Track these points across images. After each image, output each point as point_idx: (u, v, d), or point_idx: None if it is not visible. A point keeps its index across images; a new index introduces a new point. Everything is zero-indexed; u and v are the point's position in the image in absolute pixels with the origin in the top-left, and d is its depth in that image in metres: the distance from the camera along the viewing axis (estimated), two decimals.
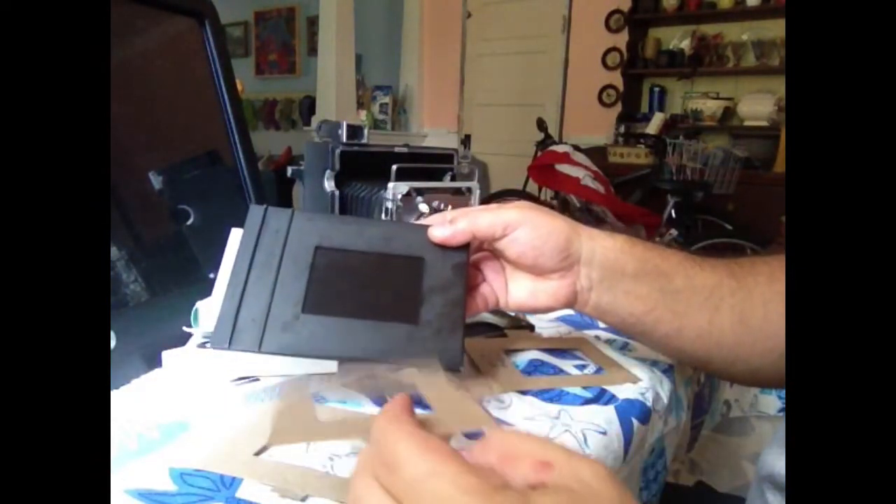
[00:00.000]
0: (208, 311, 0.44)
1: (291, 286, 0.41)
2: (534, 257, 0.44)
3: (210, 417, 0.41)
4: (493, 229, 0.44)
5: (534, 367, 0.53)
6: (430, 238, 0.45)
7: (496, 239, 0.44)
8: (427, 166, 0.71)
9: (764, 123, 3.42)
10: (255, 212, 0.43)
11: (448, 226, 0.44)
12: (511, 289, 0.47)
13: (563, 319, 0.67)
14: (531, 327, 0.62)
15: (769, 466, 0.40)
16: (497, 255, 0.47)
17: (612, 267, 0.45)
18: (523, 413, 0.45)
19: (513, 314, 0.63)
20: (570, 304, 0.47)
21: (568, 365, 0.54)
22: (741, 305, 0.45)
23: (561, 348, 0.58)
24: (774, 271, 0.46)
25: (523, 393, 0.48)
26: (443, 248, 0.45)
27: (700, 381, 0.66)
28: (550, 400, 0.47)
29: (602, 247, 0.45)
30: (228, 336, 0.39)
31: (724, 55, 3.62)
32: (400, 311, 0.43)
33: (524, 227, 0.44)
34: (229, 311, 0.40)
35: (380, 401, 0.45)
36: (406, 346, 0.42)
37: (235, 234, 0.42)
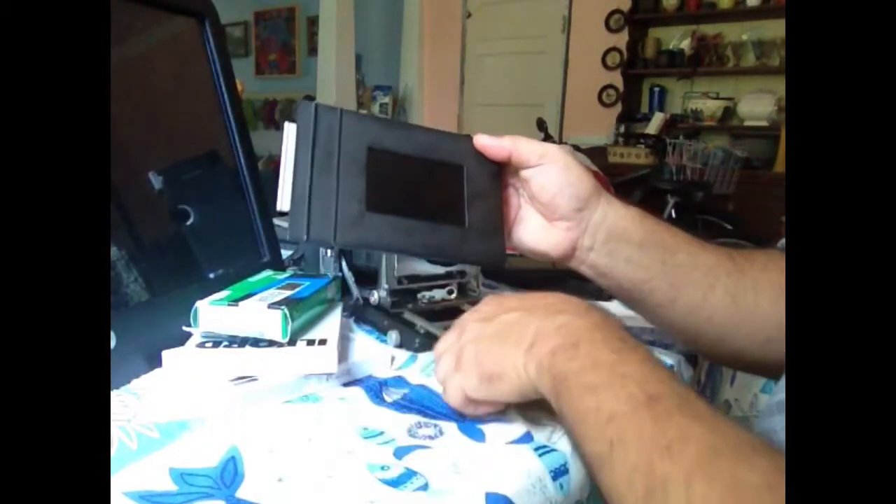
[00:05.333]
0: (281, 191, 0.44)
1: (352, 183, 0.43)
2: (552, 195, 0.47)
3: (210, 417, 0.41)
4: (530, 155, 0.47)
5: None
6: (476, 143, 0.48)
7: (529, 166, 0.47)
8: None
9: (764, 123, 3.42)
10: (306, 108, 0.44)
11: (494, 137, 0.48)
12: (518, 225, 0.50)
13: None
14: None
15: None
16: (518, 191, 0.50)
17: (620, 234, 0.47)
18: (525, 413, 0.45)
19: None
20: (567, 257, 0.49)
21: None
22: (735, 287, 0.46)
23: None
24: (769, 260, 0.47)
25: None
26: (480, 159, 0.49)
27: (701, 381, 0.66)
28: None
29: (615, 213, 0.48)
30: (305, 227, 0.41)
31: (724, 55, 3.62)
32: (449, 214, 0.47)
33: (557, 164, 0.47)
34: (301, 203, 0.41)
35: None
36: (458, 245, 0.47)
37: (290, 129, 0.44)
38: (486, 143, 0.48)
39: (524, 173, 0.48)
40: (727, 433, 0.29)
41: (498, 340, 0.40)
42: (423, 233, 0.45)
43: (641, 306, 0.50)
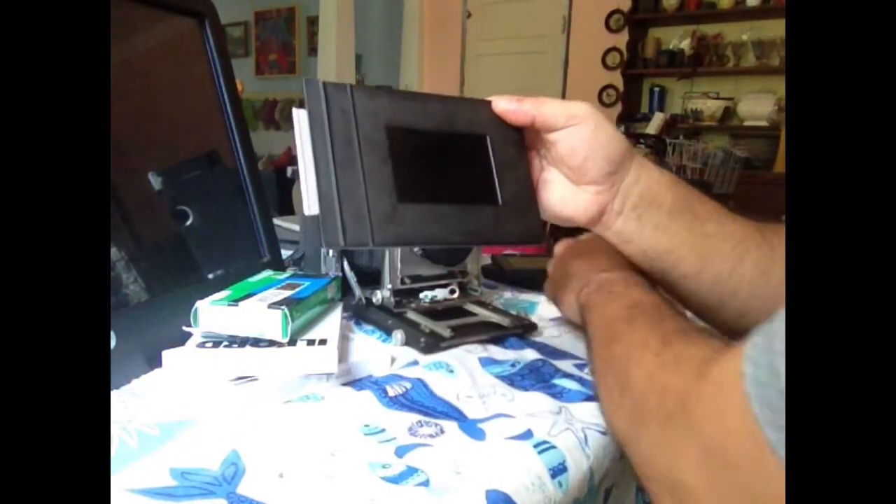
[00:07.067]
0: (305, 194, 0.39)
1: (379, 173, 0.40)
2: (584, 158, 0.44)
3: (210, 417, 0.41)
4: (556, 118, 0.43)
5: (534, 368, 0.53)
6: (495, 108, 0.44)
7: (556, 129, 0.44)
8: None
9: (764, 123, 3.42)
10: (314, 88, 0.40)
11: (514, 101, 0.44)
12: (543, 190, 0.47)
13: (563, 319, 0.67)
14: (534, 326, 0.62)
15: None
16: (539, 152, 0.47)
17: (651, 199, 0.45)
18: (525, 410, 0.45)
19: (514, 313, 0.63)
20: (594, 222, 0.46)
21: (567, 365, 0.54)
22: (765, 260, 0.45)
23: (561, 349, 0.58)
24: None
25: (525, 389, 0.48)
26: (502, 125, 0.45)
27: None
28: (553, 396, 0.47)
29: (648, 177, 0.46)
30: (341, 233, 0.37)
31: (724, 55, 3.62)
32: (480, 192, 0.43)
33: (587, 125, 0.44)
34: (331, 205, 0.37)
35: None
36: (494, 226, 0.43)
37: (300, 116, 0.39)
38: (506, 107, 0.44)
39: (550, 136, 0.44)
40: (673, 310, 0.41)
41: (566, 280, 0.56)
42: (459, 218, 0.42)
43: (665, 276, 0.48)
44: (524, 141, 0.46)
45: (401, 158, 0.41)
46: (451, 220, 0.42)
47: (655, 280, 0.49)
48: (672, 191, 0.46)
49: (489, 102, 0.45)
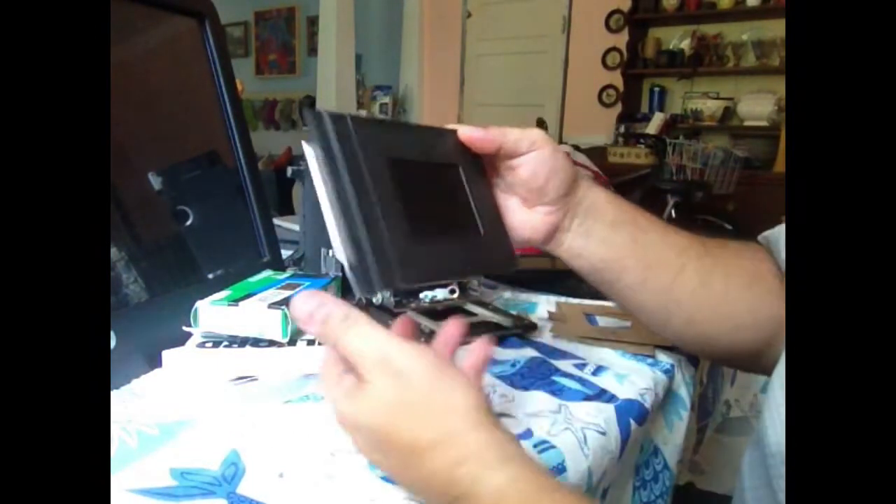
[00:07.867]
0: (338, 246, 0.37)
1: (392, 211, 0.38)
2: (546, 179, 0.45)
3: (210, 417, 0.41)
4: (519, 143, 0.45)
5: (534, 368, 0.53)
6: (461, 136, 0.45)
7: (519, 154, 0.45)
8: None
9: (764, 123, 3.42)
10: (319, 122, 0.37)
11: (480, 129, 0.45)
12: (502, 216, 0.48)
13: None
14: (534, 326, 0.62)
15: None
16: (493, 181, 0.47)
17: (596, 213, 0.47)
18: (525, 409, 0.45)
19: (515, 313, 0.63)
20: (547, 241, 0.48)
21: (567, 364, 0.54)
22: (706, 270, 0.47)
23: (561, 349, 0.58)
24: (744, 249, 0.48)
25: (525, 388, 0.48)
26: (467, 154, 0.45)
27: (703, 382, 0.66)
28: (552, 394, 0.47)
29: (593, 195, 0.47)
30: (368, 281, 0.36)
31: (724, 55, 3.62)
32: (468, 223, 0.43)
33: (547, 149, 0.45)
34: (354, 252, 0.36)
35: None
36: (484, 256, 0.43)
37: (310, 152, 0.38)
38: (472, 134, 0.44)
39: (512, 162, 0.45)
40: None
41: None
42: (456, 252, 0.41)
43: (613, 288, 0.49)
44: (483, 165, 0.46)
45: (405, 193, 0.39)
46: (452, 255, 0.41)
47: (605, 293, 0.50)
48: (614, 205, 0.48)
49: (454, 131, 0.45)
